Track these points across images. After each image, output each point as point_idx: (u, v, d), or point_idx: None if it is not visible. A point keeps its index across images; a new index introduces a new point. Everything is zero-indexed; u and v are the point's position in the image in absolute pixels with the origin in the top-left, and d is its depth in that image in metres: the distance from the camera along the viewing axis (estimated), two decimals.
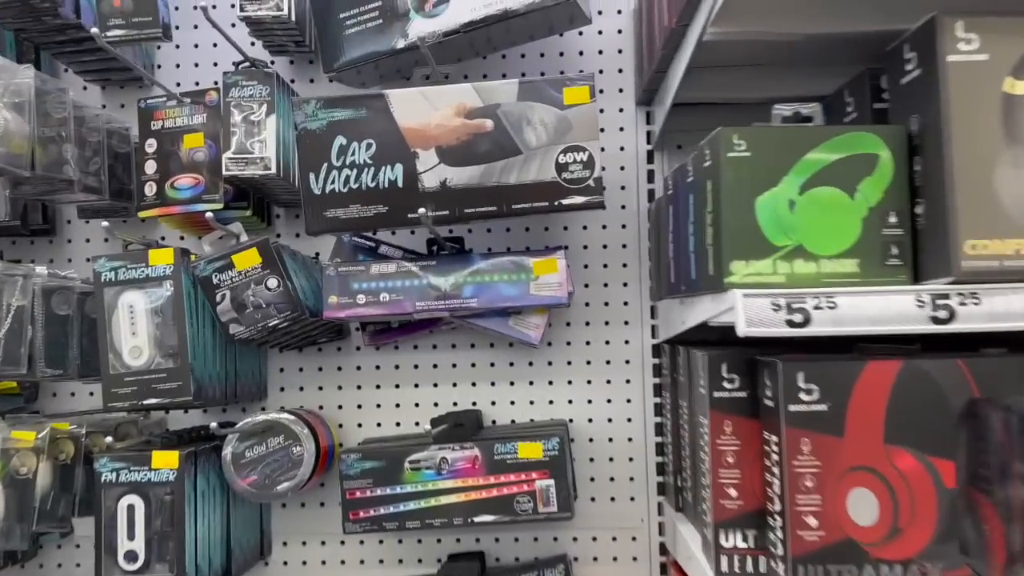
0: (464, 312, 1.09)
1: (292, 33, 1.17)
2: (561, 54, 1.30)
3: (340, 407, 1.29)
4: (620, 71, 1.30)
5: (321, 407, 1.29)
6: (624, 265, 1.29)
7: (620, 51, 1.30)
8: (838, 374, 0.77)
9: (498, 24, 1.11)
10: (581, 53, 1.30)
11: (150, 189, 1.15)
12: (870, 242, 0.76)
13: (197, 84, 1.29)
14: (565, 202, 1.01)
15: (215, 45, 1.30)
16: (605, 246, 1.29)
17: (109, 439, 1.06)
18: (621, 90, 1.30)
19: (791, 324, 0.71)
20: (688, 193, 0.91)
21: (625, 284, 1.29)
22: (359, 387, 1.29)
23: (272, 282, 1.03)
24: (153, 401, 1.02)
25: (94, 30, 0.98)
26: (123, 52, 1.11)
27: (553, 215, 1.27)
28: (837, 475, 0.77)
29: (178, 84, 1.30)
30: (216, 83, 1.18)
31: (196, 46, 1.31)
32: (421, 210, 0.95)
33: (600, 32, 1.30)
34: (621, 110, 1.30)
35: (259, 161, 1.08)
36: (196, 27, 1.31)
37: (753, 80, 1.12)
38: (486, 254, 1.11)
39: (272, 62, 1.28)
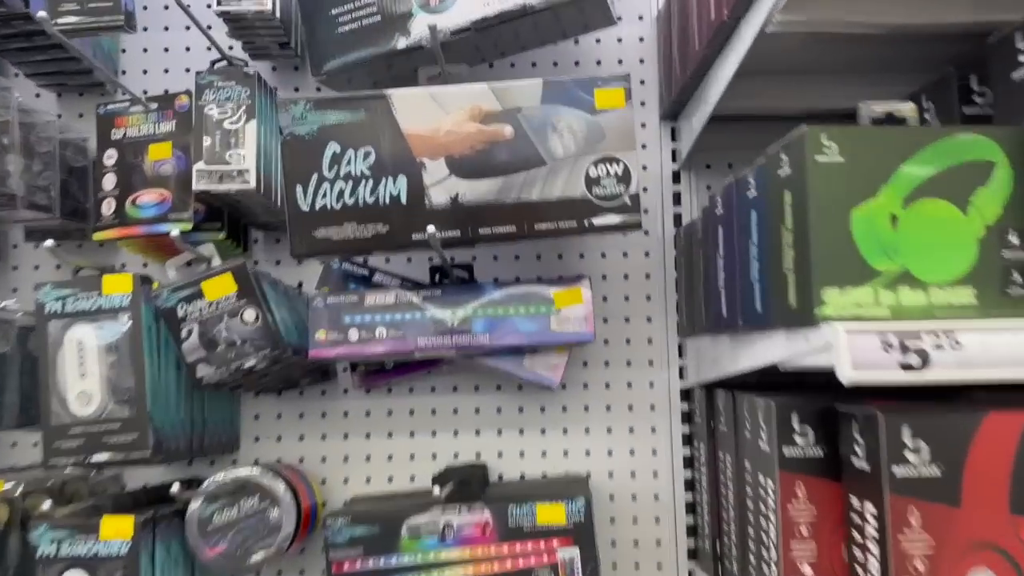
0: (474, 351, 0.94)
1: (276, 32, 1.02)
2: (576, 63, 1.17)
3: (324, 459, 1.12)
4: (642, 82, 1.17)
5: (302, 460, 1.12)
6: (648, 298, 1.15)
7: (642, 61, 1.17)
8: (952, 429, 0.63)
9: (510, 24, 0.98)
10: (599, 63, 1.17)
11: (108, 207, 0.99)
12: (988, 267, 0.62)
13: (167, 92, 1.13)
14: (597, 222, 0.86)
15: (188, 49, 1.16)
16: (626, 276, 1.15)
17: (48, 503, 0.89)
18: (643, 103, 1.17)
19: (906, 367, 0.57)
20: (750, 210, 0.77)
21: (649, 319, 1.14)
22: (346, 436, 1.12)
23: (249, 314, 0.87)
24: (104, 456, 0.86)
25: (41, 14, 0.82)
26: (80, 47, 0.96)
27: (568, 239, 1.13)
28: (954, 553, 0.62)
29: (145, 92, 1.14)
30: (189, 91, 1.03)
31: (166, 50, 1.16)
32: (430, 228, 0.80)
33: (620, 40, 1.17)
34: (643, 125, 1.16)
35: (236, 174, 0.93)
36: (167, 29, 1.16)
37: (801, 88, 0.99)
38: (499, 283, 0.96)
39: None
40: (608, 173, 0.87)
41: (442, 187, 0.83)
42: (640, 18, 1.17)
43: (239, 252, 1.10)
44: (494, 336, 0.93)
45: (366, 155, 0.82)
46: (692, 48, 0.97)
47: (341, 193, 0.81)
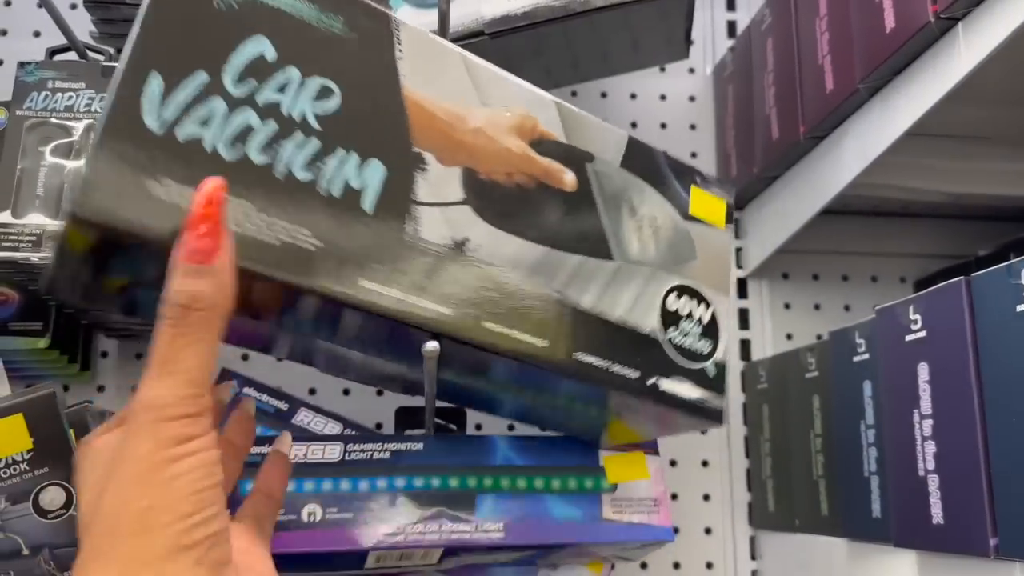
0: (477, 550, 0.54)
1: None
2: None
3: None
4: (693, 155, 0.84)
5: None
6: (704, 463, 0.77)
7: (693, 127, 0.85)
8: None
9: (538, 35, 0.64)
10: (634, 125, 0.84)
11: None
12: None
13: None
14: (665, 386, 0.49)
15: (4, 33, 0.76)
16: None
17: None
18: None
19: None
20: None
21: (706, 497, 0.77)
22: None
23: (50, 496, 0.44)
24: None
25: None
26: None
27: None
28: None
29: None
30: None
31: None
32: (429, 345, 0.41)
33: (663, 97, 0.85)
34: None
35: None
36: None
37: (973, 164, 0.67)
38: (516, 437, 0.57)
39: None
40: (691, 315, 0.51)
41: (443, 215, 0.43)
42: (691, 71, 0.86)
43: (73, 371, 0.67)
44: (513, 527, 0.53)
45: (321, 93, 0.39)
46: (798, 108, 0.65)
47: (243, 133, 0.37)
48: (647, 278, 0.50)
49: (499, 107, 0.45)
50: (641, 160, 0.51)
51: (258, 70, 0.37)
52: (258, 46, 0.37)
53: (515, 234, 0.45)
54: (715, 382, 0.51)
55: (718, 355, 0.51)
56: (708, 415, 0.50)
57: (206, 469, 0.31)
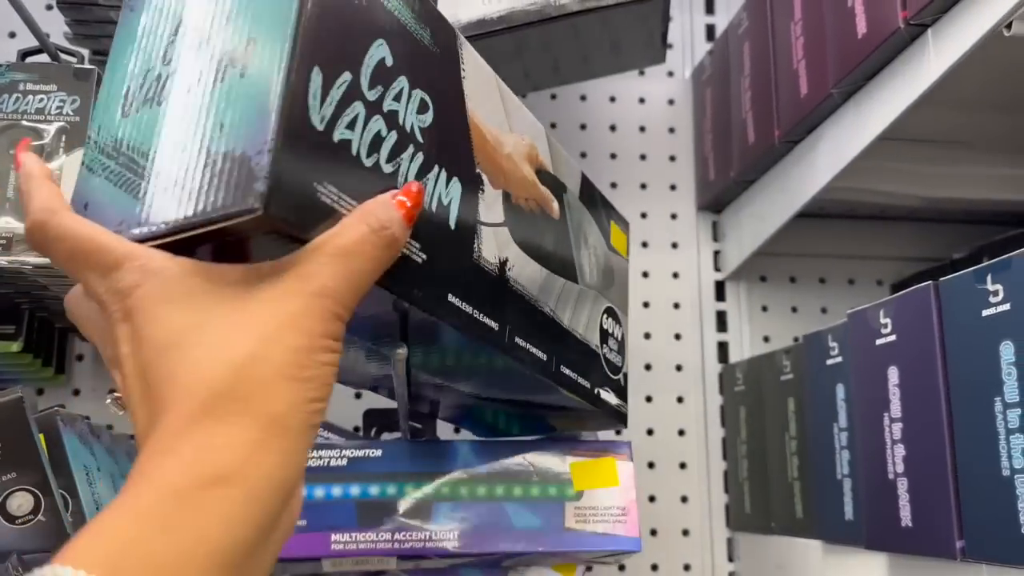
0: (429, 559, 0.54)
1: None
2: (583, 127, 0.84)
3: None
4: (672, 159, 0.84)
5: None
6: (682, 466, 0.78)
7: (672, 130, 0.85)
8: None
9: (516, 38, 0.64)
10: (613, 128, 0.84)
11: None
12: None
13: None
14: (603, 395, 0.54)
15: None
16: (650, 431, 0.78)
17: None
18: (673, 187, 0.84)
19: None
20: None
21: (684, 499, 0.77)
22: None
23: (18, 502, 0.44)
24: None
25: None
26: None
27: None
28: None
29: None
30: None
31: None
32: (400, 351, 0.41)
33: (642, 100, 0.85)
34: (674, 216, 0.83)
35: None
36: None
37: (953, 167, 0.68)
38: (480, 442, 0.57)
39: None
40: (613, 333, 0.56)
41: (495, 236, 0.43)
42: (670, 74, 0.86)
43: (48, 375, 0.67)
44: (467, 536, 0.53)
45: (422, 106, 0.38)
46: (777, 107, 0.65)
47: (376, 140, 0.35)
48: (593, 300, 0.54)
49: (519, 134, 0.46)
50: (589, 194, 0.54)
51: (382, 76, 0.35)
52: (380, 51, 0.36)
53: (532, 257, 0.46)
54: (624, 391, 0.57)
55: (625, 367, 0.57)
56: (621, 419, 0.56)
57: (336, 371, 0.31)
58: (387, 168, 0.35)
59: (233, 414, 0.27)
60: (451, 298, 0.39)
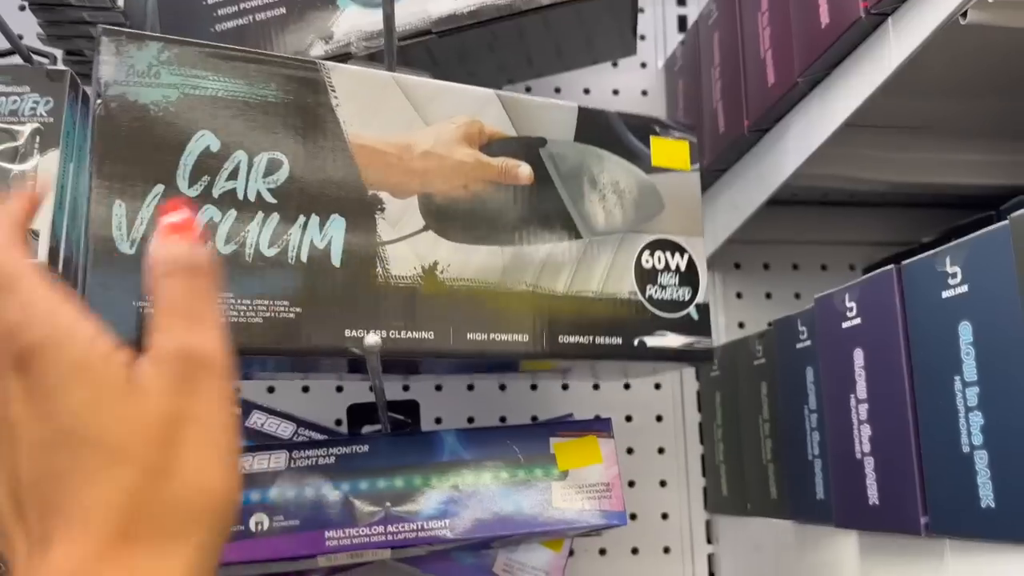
0: (422, 548, 0.55)
1: (108, 15, 0.64)
2: None
3: None
4: None
5: None
6: (660, 451, 0.79)
7: None
8: None
9: (487, 33, 0.65)
10: None
11: None
12: None
13: None
14: (652, 343, 0.52)
15: None
16: (629, 418, 0.79)
17: None
18: None
19: None
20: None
21: (663, 483, 0.78)
22: None
23: None
24: None
25: None
26: None
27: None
28: None
29: None
30: None
31: None
32: (370, 338, 0.42)
33: (616, 92, 0.86)
34: None
35: None
36: None
37: (918, 152, 0.69)
38: (465, 430, 0.58)
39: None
40: (668, 266, 0.53)
41: (410, 247, 0.44)
42: (643, 66, 0.87)
43: None
44: (459, 523, 0.54)
45: (271, 166, 0.41)
46: (741, 101, 0.66)
47: (207, 231, 0.39)
48: (616, 245, 0.52)
49: (443, 121, 0.46)
50: (595, 128, 0.52)
51: (207, 165, 0.38)
52: (202, 141, 0.38)
53: (480, 243, 0.47)
54: (700, 325, 0.53)
55: (699, 298, 0.53)
56: (697, 357, 0.53)
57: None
58: (226, 249, 0.38)
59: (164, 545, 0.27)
60: (347, 332, 0.41)
